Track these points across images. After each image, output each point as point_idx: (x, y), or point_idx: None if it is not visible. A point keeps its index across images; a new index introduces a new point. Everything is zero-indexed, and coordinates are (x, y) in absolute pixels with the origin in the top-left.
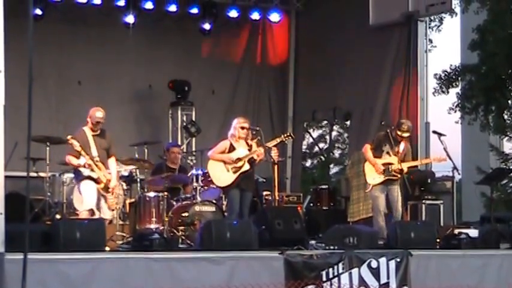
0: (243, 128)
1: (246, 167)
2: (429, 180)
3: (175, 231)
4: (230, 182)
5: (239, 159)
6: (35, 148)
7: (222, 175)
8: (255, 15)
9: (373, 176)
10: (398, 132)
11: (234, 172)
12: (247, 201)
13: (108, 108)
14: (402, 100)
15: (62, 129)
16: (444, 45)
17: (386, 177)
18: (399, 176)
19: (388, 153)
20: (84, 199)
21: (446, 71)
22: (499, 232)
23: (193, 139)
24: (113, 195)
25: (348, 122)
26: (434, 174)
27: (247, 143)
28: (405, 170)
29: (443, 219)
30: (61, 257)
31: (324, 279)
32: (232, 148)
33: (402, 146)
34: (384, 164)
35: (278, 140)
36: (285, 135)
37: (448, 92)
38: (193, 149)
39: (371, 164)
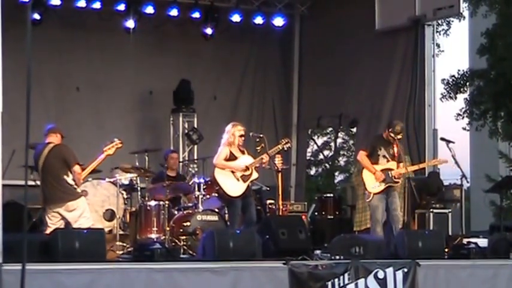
0: (242, 136)
1: (255, 175)
2: (437, 189)
3: (177, 241)
4: (243, 192)
5: (247, 168)
6: None
7: (233, 184)
8: (259, 20)
9: (373, 184)
10: (392, 135)
11: (244, 181)
12: (253, 205)
13: (108, 114)
14: (409, 106)
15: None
16: (452, 49)
17: (388, 185)
18: (400, 181)
19: (384, 156)
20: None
21: (454, 76)
22: (509, 241)
23: (195, 146)
24: None
25: (354, 129)
26: (443, 182)
27: (240, 150)
28: (408, 170)
29: (451, 228)
30: (60, 268)
31: None
32: (232, 155)
33: (395, 148)
34: (383, 171)
35: (280, 147)
36: (284, 142)
37: (455, 98)
38: (195, 156)
39: (370, 172)
